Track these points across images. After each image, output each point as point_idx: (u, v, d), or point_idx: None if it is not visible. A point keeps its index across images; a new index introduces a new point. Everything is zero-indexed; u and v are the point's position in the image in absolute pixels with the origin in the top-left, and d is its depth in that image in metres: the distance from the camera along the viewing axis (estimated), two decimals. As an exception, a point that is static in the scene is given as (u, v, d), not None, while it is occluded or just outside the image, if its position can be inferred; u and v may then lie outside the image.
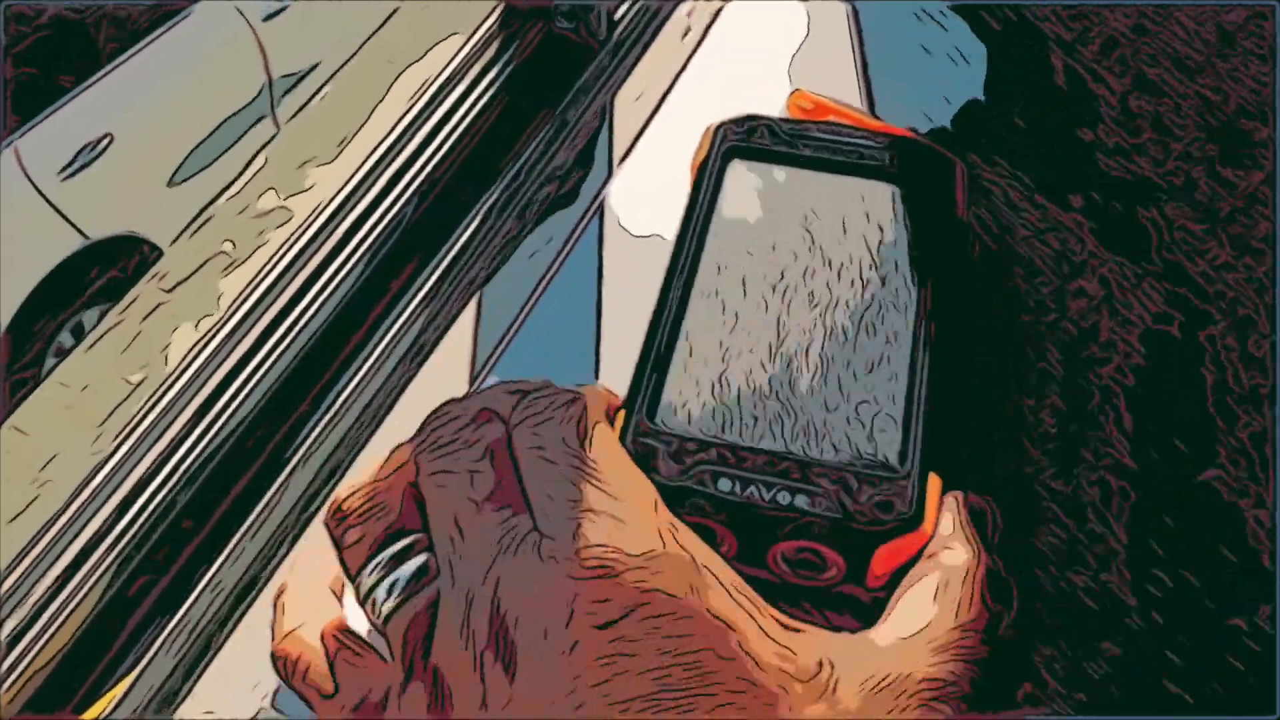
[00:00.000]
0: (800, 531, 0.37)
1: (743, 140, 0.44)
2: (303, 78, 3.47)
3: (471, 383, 0.61)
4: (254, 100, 3.40)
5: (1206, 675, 0.42)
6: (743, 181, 0.43)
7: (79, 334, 3.22)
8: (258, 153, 3.25)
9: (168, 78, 3.32)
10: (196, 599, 0.55)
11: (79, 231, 3.16)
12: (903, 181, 0.43)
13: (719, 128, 0.44)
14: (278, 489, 0.57)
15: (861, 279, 0.41)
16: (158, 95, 3.30)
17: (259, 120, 3.42)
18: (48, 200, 3.13)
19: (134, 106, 3.26)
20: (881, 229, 0.42)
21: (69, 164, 3.15)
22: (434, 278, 0.68)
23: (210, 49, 3.39)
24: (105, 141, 3.20)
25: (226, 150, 3.34)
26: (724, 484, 0.38)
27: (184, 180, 3.28)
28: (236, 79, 3.41)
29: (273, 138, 3.39)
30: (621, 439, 0.38)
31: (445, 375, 0.63)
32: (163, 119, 3.28)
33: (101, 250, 3.19)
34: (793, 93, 0.44)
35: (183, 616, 0.54)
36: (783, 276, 0.41)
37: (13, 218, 3.08)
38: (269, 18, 3.47)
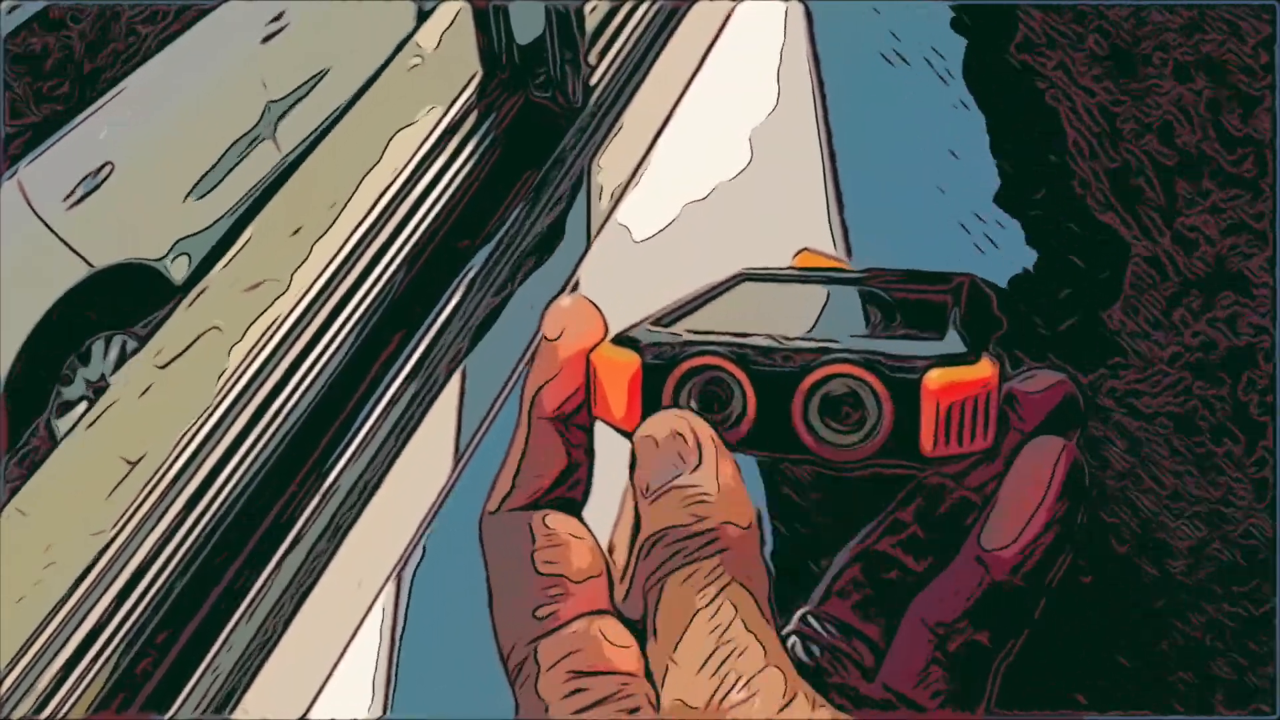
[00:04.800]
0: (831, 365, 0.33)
1: (755, 271, 0.42)
2: (300, 99, 3.49)
3: (456, 459, 0.64)
4: (255, 125, 3.43)
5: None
6: (747, 290, 0.42)
7: (86, 360, 3.26)
8: (254, 207, 3.28)
9: (166, 104, 3.35)
10: (198, 681, 0.57)
11: (84, 260, 3.19)
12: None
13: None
14: (271, 571, 0.60)
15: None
16: (157, 122, 3.33)
17: (260, 143, 3.45)
18: (52, 230, 3.16)
19: (133, 134, 3.29)
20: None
21: (72, 193, 3.18)
22: (419, 351, 0.70)
23: (207, 74, 3.42)
24: (106, 170, 3.23)
25: (228, 174, 3.37)
26: (733, 345, 0.34)
27: (186, 205, 3.31)
28: (235, 103, 3.43)
29: (277, 168, 3.42)
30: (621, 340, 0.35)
31: (430, 451, 0.65)
32: (162, 146, 3.31)
33: (107, 278, 3.22)
34: (800, 251, 0.43)
35: (185, 698, 0.57)
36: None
37: (19, 248, 3.12)
38: (266, 40, 3.50)
